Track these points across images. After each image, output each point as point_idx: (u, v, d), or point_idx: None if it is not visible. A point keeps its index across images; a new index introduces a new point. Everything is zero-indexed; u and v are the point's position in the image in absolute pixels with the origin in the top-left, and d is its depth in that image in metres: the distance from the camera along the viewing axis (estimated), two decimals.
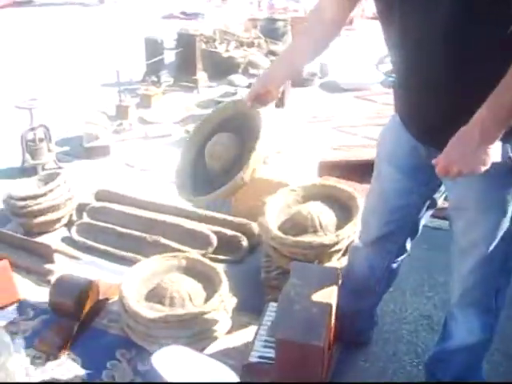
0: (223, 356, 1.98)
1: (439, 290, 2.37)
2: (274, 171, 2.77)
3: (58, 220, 2.78)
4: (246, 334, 2.16)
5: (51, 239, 2.73)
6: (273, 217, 2.30)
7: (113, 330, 2.18)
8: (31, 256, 2.50)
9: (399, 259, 1.82)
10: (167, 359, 1.39)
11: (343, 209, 2.32)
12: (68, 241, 2.73)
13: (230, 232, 2.60)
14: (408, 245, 1.79)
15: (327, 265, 2.18)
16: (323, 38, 1.67)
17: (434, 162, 1.34)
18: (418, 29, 1.31)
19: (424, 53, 1.34)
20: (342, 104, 4.46)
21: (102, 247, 2.62)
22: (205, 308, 2.00)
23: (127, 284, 2.11)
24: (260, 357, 1.80)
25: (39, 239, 2.71)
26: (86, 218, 2.78)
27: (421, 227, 1.76)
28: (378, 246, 1.77)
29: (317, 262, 2.16)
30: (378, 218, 1.74)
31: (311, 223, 2.22)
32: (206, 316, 2.00)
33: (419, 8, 1.29)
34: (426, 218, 1.74)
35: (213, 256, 2.52)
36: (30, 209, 2.67)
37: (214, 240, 2.56)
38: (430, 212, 1.74)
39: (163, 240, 2.56)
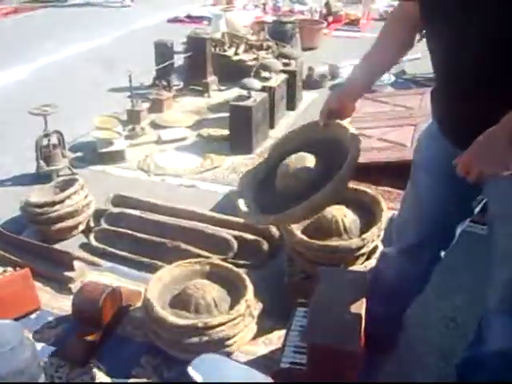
0: (252, 363, 1.96)
1: (461, 291, 2.35)
2: None
3: (76, 227, 2.77)
4: (272, 340, 2.14)
5: (69, 246, 2.71)
6: None
7: (137, 337, 2.16)
8: (51, 263, 2.48)
9: (433, 267, 1.79)
10: (204, 368, 1.37)
11: (366, 212, 2.30)
12: (86, 247, 2.71)
13: (250, 236, 2.58)
14: (442, 253, 1.76)
15: (352, 268, 2.17)
16: (409, 39, 1.59)
17: (455, 161, 1.31)
18: (461, 35, 1.29)
19: (468, 59, 1.31)
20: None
21: (121, 253, 2.60)
22: (231, 315, 1.98)
23: (152, 290, 2.09)
24: (291, 363, 1.78)
25: (57, 246, 2.70)
26: (103, 224, 2.76)
27: (457, 235, 1.72)
28: (412, 254, 1.74)
29: (343, 266, 2.15)
30: (414, 226, 1.71)
31: (335, 227, 2.20)
32: (232, 322, 1.98)
33: (463, 15, 1.27)
34: (462, 227, 1.71)
35: (233, 261, 2.50)
36: (47, 216, 2.66)
37: (235, 245, 2.54)
38: (467, 221, 1.71)
39: (183, 245, 2.54)
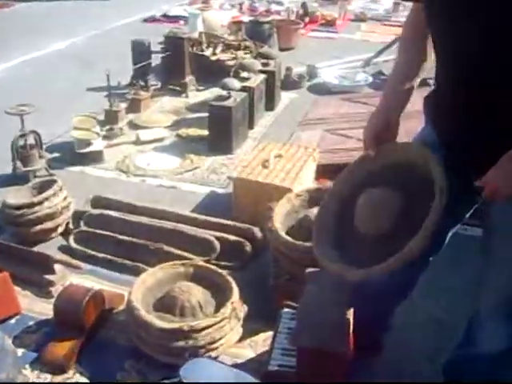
0: (238, 366, 1.94)
1: (447, 292, 2.37)
2: (274, 175, 2.74)
3: (55, 229, 2.70)
4: (258, 342, 2.12)
5: (48, 248, 2.65)
6: (280, 222, 2.27)
7: (120, 341, 2.12)
8: (30, 267, 2.41)
9: (422, 271, 1.79)
10: (194, 372, 1.35)
11: None
12: (66, 250, 2.65)
13: (232, 237, 2.56)
14: (431, 258, 1.75)
15: None
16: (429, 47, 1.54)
17: (478, 183, 1.29)
18: (466, 37, 1.27)
19: (474, 65, 1.30)
20: (333, 106, 4.45)
21: (102, 256, 2.55)
22: (217, 317, 1.96)
23: (135, 294, 2.05)
24: (280, 365, 1.76)
25: (36, 249, 2.63)
26: (83, 226, 2.71)
27: (446, 242, 1.72)
28: None
29: None
30: None
31: None
32: (218, 325, 1.96)
33: (468, 18, 1.25)
34: (452, 231, 1.70)
35: (216, 262, 2.47)
36: (26, 218, 2.59)
37: (217, 246, 2.51)
38: (457, 226, 1.71)
39: (166, 247, 2.50)
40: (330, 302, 1.75)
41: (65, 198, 2.71)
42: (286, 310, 1.98)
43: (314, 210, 2.24)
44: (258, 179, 2.70)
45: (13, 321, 2.21)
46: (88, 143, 3.45)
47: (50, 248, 2.66)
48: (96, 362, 2.02)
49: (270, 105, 4.30)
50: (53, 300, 2.28)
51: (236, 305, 2.04)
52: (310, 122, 4.03)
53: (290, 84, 4.85)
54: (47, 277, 2.38)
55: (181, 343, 1.91)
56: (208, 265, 2.25)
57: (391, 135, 1.57)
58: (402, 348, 2.11)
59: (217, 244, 2.51)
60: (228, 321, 2.00)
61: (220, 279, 2.16)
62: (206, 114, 4.15)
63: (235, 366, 2.02)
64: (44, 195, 2.63)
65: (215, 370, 1.40)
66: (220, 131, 3.55)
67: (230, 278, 2.14)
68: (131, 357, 2.04)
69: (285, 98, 4.65)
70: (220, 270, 2.19)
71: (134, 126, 3.98)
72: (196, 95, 4.65)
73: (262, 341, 2.14)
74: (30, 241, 2.65)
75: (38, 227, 2.63)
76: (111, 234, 2.61)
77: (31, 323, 2.20)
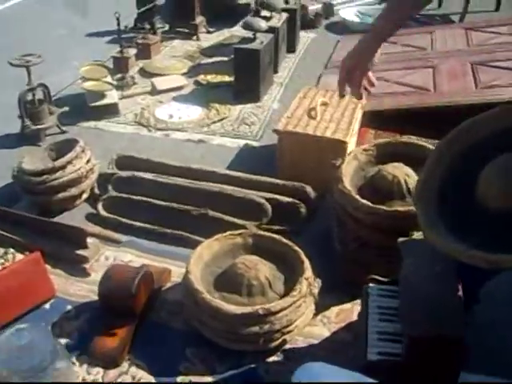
0: (315, 347, 1.69)
1: None
2: (324, 127, 2.40)
3: (80, 195, 2.36)
4: (331, 318, 1.85)
5: (73, 218, 2.32)
6: (348, 182, 1.94)
7: (174, 324, 1.83)
8: (58, 241, 2.08)
9: None
10: (312, 378, 1.08)
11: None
12: (93, 218, 2.32)
13: (285, 199, 2.24)
14: None
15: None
16: None
17: None
18: None
19: None
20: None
21: (138, 224, 2.23)
22: (294, 296, 1.66)
23: (193, 272, 1.74)
24: (379, 353, 1.49)
25: (59, 218, 2.30)
26: (112, 191, 2.36)
27: None
28: None
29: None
30: None
31: (397, 189, 1.88)
32: (295, 305, 1.67)
33: None
34: None
35: (268, 227, 2.16)
36: (47, 185, 2.24)
37: (269, 209, 2.19)
38: None
39: (211, 212, 2.18)
40: (436, 277, 1.46)
41: (88, 161, 2.35)
42: (371, 285, 1.69)
43: (389, 168, 1.92)
44: (308, 131, 2.36)
45: (47, 306, 1.90)
46: (101, 95, 3.05)
47: (75, 217, 2.33)
48: (152, 352, 1.73)
49: (290, 46, 3.89)
50: (88, 279, 1.99)
51: (311, 280, 1.75)
52: (338, 65, 3.63)
53: (307, 23, 4.42)
54: (80, 252, 2.06)
55: (254, 329, 1.62)
56: (269, 234, 1.93)
57: (361, 68, 1.56)
58: None
59: (268, 206, 2.19)
60: (304, 299, 1.71)
61: (286, 250, 1.85)
62: (223, 58, 3.77)
63: (311, 347, 1.76)
64: (66, 158, 2.26)
65: (330, 375, 1.13)
66: (247, 77, 3.17)
67: (298, 249, 1.83)
68: (192, 344, 1.76)
69: (303, 38, 4.23)
70: (285, 240, 1.88)
71: (146, 73, 3.56)
72: (207, 38, 4.21)
73: (335, 317, 1.87)
74: (51, 210, 2.32)
75: (61, 195, 2.28)
76: (146, 198, 2.28)
77: (69, 307, 1.89)
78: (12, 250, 2.07)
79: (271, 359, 1.71)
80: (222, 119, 3.04)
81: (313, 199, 2.28)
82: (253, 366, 1.67)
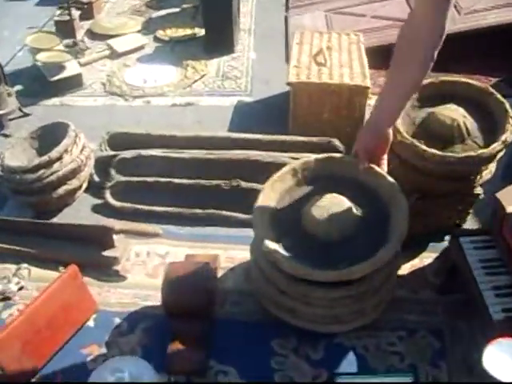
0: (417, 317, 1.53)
1: None
2: (339, 73, 2.16)
3: (79, 187, 2.01)
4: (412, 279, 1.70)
5: (78, 213, 1.98)
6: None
7: (241, 317, 1.60)
8: (79, 245, 1.76)
9: None
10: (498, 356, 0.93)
11: (477, 109, 1.82)
12: (102, 210, 1.99)
13: (316, 156, 2.01)
14: None
15: None
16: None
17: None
18: None
19: None
20: None
21: (161, 209, 1.93)
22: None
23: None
24: (503, 310, 1.35)
25: (61, 217, 1.96)
26: (116, 176, 2.03)
27: None
28: None
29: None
30: None
31: (458, 132, 1.71)
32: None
33: None
34: None
35: None
36: (45, 181, 1.87)
37: None
38: None
39: (243, 183, 1.93)
40: None
41: (83, 147, 1.99)
42: (462, 238, 1.54)
43: (448, 113, 1.72)
44: (324, 80, 2.12)
45: (91, 323, 1.60)
46: (60, 66, 2.61)
47: (79, 212, 1.99)
48: (235, 353, 1.50)
49: None
50: (125, 283, 1.71)
51: None
52: (301, 4, 3.36)
53: None
54: (108, 254, 1.74)
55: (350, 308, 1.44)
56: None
57: (381, 150, 1.47)
58: None
59: None
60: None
61: None
62: (174, 9, 3.38)
63: (398, 311, 1.61)
64: (61, 146, 1.89)
65: None
66: (219, 27, 2.83)
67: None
68: (274, 335, 1.55)
69: None
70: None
71: (95, 35, 3.11)
72: None
73: (410, 275, 1.72)
74: (50, 209, 1.96)
75: (61, 189, 1.92)
76: (164, 179, 1.97)
77: (117, 320, 1.60)
78: (25, 264, 1.73)
79: (363, 333, 1.54)
80: (202, 77, 2.71)
81: (342, 153, 2.08)
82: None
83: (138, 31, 3.13)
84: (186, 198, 1.95)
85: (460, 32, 2.72)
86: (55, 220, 1.94)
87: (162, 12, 3.38)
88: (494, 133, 1.72)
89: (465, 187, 1.77)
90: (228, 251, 1.80)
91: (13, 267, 1.73)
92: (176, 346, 1.46)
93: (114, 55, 2.90)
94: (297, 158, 1.97)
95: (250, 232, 1.72)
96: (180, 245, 1.83)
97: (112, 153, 2.08)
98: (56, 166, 1.87)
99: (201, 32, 3.08)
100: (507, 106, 1.72)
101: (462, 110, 1.74)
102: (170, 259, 1.76)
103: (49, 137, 2.00)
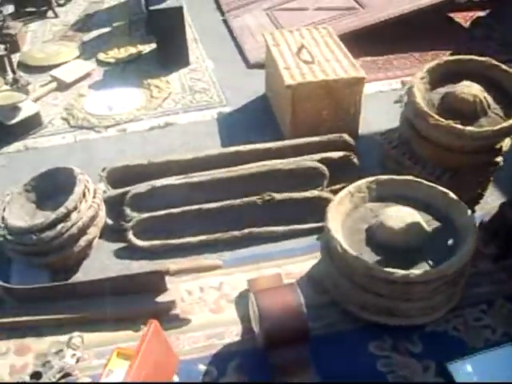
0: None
1: None
2: (331, 68, 2.13)
3: (96, 232, 1.80)
4: None
5: (99, 264, 1.77)
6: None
7: (330, 330, 1.52)
8: (124, 299, 1.57)
9: None
10: None
11: (487, 83, 1.86)
12: (128, 253, 1.79)
13: (335, 154, 1.97)
14: None
15: None
16: None
17: None
18: None
19: None
20: None
21: (197, 239, 1.78)
22: None
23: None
24: None
25: (85, 272, 1.74)
26: (131, 213, 1.84)
27: None
28: None
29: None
30: None
31: (481, 107, 1.75)
32: None
33: None
34: None
35: (330, 189, 1.91)
36: (66, 235, 1.65)
37: (325, 170, 1.92)
38: None
39: (277, 195, 1.84)
40: None
41: (95, 190, 1.78)
42: None
43: (467, 90, 1.75)
44: (321, 77, 2.08)
45: (175, 379, 1.44)
46: (15, 108, 2.31)
47: (103, 261, 1.78)
48: (340, 367, 1.42)
49: None
50: (191, 325, 1.56)
51: None
52: (236, 6, 3.29)
53: None
54: (164, 299, 1.58)
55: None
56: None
57: None
58: None
59: (324, 168, 1.92)
60: None
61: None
62: (105, 29, 3.19)
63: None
64: (76, 195, 1.67)
65: None
66: (172, 40, 2.67)
67: None
68: (370, 339, 1.49)
69: None
70: None
71: (31, 68, 2.80)
72: (65, 11, 3.45)
73: None
74: (70, 265, 1.74)
75: (83, 240, 1.70)
76: (191, 207, 1.82)
77: (202, 367, 1.45)
78: (76, 332, 1.52)
79: (449, 316, 1.54)
80: (170, 94, 2.55)
81: (352, 145, 2.06)
82: None
83: (77, 57, 2.87)
84: (215, 222, 1.83)
85: (403, 14, 2.82)
86: (79, 276, 1.73)
87: (93, 34, 3.13)
88: (508, 103, 1.80)
89: (490, 158, 1.84)
90: (283, 267, 1.71)
91: (63, 338, 1.51)
92: (283, 378, 1.36)
93: (63, 86, 2.64)
94: (319, 160, 1.94)
95: (294, 243, 1.77)
96: (231, 272, 1.70)
97: (121, 190, 1.89)
98: (74, 216, 1.65)
99: (145, 49, 2.91)
100: None
101: (477, 86, 1.79)
102: (228, 290, 1.64)
103: (46, 186, 1.77)
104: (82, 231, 1.69)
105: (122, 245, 1.83)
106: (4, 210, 1.73)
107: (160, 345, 1.36)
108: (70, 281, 1.65)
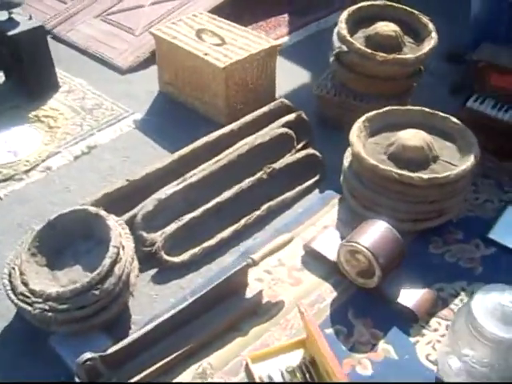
0: None
1: None
2: (247, 44, 2.19)
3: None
4: None
5: (150, 298, 1.58)
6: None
7: None
8: (213, 309, 1.46)
9: None
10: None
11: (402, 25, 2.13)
12: (165, 276, 1.63)
13: (291, 116, 2.04)
14: None
15: None
16: None
17: None
18: None
19: None
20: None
21: (227, 233, 1.71)
22: None
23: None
24: None
25: (138, 312, 1.54)
26: (149, 235, 1.66)
27: None
28: None
29: None
30: None
31: (401, 39, 2.05)
32: None
33: None
34: None
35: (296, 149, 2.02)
36: (120, 285, 1.41)
37: (292, 133, 2.00)
38: None
39: (276, 166, 1.86)
40: None
41: (124, 231, 1.54)
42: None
43: (382, 26, 2.04)
44: (246, 54, 2.11)
45: None
46: None
47: (148, 293, 1.60)
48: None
49: None
50: (284, 309, 1.55)
51: None
52: (61, 20, 2.95)
53: None
54: (251, 293, 1.51)
55: None
56: None
57: None
58: None
59: (291, 132, 2.00)
60: None
61: None
62: None
63: None
64: (115, 242, 1.43)
65: None
66: (38, 65, 2.33)
67: None
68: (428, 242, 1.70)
69: None
70: None
71: None
72: None
73: None
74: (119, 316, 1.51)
75: (132, 276, 1.49)
76: (207, 206, 1.72)
77: (329, 332, 1.46)
78: (202, 363, 1.37)
79: None
80: (67, 120, 2.26)
81: (293, 106, 2.16)
82: None
83: None
84: (230, 212, 1.78)
85: None
86: (137, 318, 1.52)
87: None
88: (415, 36, 2.13)
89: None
90: (306, 224, 1.79)
91: (190, 372, 1.34)
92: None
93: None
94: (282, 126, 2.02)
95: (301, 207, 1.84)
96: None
97: (126, 216, 1.68)
98: (117, 268, 1.42)
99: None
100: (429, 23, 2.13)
101: (393, 25, 2.09)
102: (291, 262, 1.65)
103: (53, 241, 1.49)
104: (129, 276, 1.48)
105: (151, 272, 1.65)
106: (25, 285, 1.40)
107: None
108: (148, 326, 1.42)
